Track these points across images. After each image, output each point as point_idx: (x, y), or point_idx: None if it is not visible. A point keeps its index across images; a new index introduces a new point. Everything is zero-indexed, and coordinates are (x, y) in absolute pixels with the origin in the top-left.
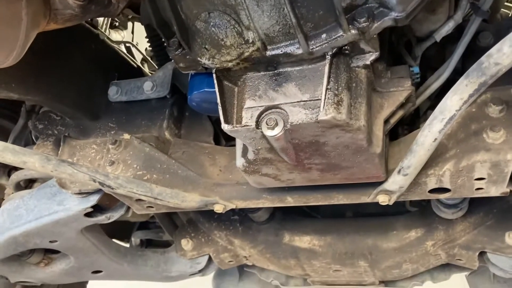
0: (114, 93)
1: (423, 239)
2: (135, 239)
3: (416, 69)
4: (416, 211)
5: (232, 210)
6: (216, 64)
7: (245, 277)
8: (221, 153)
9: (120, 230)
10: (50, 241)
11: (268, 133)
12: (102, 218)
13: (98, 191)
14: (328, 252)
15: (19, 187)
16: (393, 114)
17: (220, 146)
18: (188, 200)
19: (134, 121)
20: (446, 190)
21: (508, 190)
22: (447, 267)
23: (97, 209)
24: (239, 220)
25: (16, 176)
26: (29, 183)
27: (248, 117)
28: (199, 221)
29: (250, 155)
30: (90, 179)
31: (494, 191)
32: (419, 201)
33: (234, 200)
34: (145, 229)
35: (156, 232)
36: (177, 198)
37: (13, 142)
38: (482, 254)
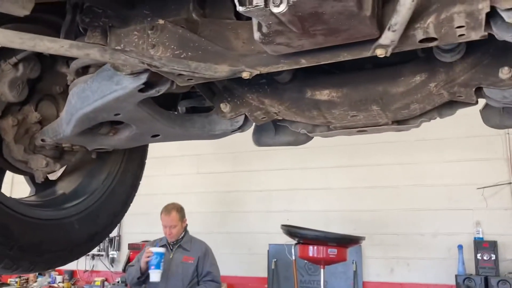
0: None
1: (426, 81)
2: (181, 107)
3: None
4: (420, 58)
5: (260, 74)
6: None
7: (280, 131)
8: (243, 27)
9: (168, 101)
10: (115, 114)
11: (275, 10)
12: (153, 92)
13: (146, 70)
14: (345, 101)
15: (78, 73)
16: None
17: (241, 20)
18: (220, 71)
19: (165, 6)
20: (433, 39)
21: (486, 33)
22: (453, 105)
23: (147, 85)
24: (267, 83)
25: (75, 64)
26: (84, 69)
27: None
28: (233, 87)
29: (264, 29)
30: (140, 62)
31: (474, 35)
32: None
33: (258, 67)
34: (188, 98)
35: (198, 100)
36: (210, 70)
37: (65, 35)
38: (479, 89)
